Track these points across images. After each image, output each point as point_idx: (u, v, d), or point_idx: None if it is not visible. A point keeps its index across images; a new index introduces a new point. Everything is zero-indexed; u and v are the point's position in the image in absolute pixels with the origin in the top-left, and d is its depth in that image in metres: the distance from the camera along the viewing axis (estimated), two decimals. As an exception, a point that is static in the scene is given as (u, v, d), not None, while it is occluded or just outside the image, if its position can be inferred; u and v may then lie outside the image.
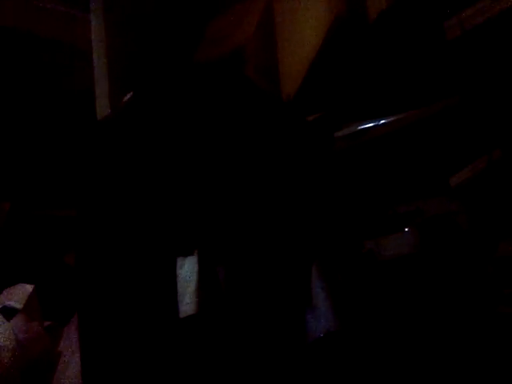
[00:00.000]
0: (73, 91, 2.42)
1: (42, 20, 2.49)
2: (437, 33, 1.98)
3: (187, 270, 1.64)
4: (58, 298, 2.08)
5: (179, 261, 1.65)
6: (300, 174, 1.78)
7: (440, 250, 1.87)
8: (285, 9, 2.41)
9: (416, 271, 1.85)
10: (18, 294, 1.90)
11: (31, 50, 2.48)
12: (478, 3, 1.93)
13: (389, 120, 2.02)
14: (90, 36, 2.31)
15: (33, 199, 2.37)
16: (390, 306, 1.81)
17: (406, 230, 1.89)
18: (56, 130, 2.38)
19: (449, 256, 1.87)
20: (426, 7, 2.01)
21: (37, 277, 2.07)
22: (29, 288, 1.92)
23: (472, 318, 1.79)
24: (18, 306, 1.86)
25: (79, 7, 2.50)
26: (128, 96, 1.87)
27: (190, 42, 2.56)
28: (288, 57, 2.36)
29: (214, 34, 2.63)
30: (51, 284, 2.12)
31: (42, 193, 2.39)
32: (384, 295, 1.82)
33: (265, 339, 1.63)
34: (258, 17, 2.48)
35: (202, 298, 1.60)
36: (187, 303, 1.61)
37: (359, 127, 2.06)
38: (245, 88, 1.87)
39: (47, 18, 2.51)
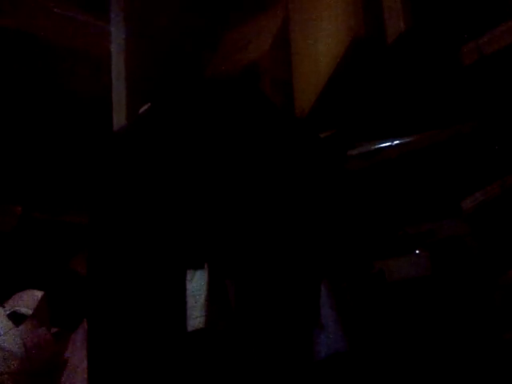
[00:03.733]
0: (88, 99, 2.44)
1: (59, 27, 2.51)
2: (454, 57, 1.99)
3: (197, 283, 1.64)
4: (66, 304, 2.08)
5: (189, 273, 1.65)
6: (312, 191, 1.78)
7: (449, 274, 1.87)
8: (301, 25, 2.42)
9: (425, 293, 1.85)
10: (28, 300, 1.90)
11: (47, 56, 2.50)
12: (495, 29, 1.93)
13: (403, 141, 2.03)
14: (106, 45, 2.33)
15: (42, 204, 2.38)
16: (399, 327, 1.81)
17: (417, 252, 1.90)
18: (70, 138, 2.39)
19: (458, 280, 1.87)
20: (444, 31, 2.02)
21: (44, 282, 2.08)
22: (38, 294, 1.93)
23: (478, 343, 1.79)
24: (28, 311, 1.86)
25: (96, 16, 2.53)
26: (144, 107, 1.88)
27: (206, 53, 2.58)
28: (303, 73, 2.37)
29: (230, 46, 2.65)
30: (58, 290, 2.12)
31: (51, 198, 2.40)
32: (392, 316, 1.81)
33: (273, 356, 1.62)
34: (274, 32, 2.50)
35: (211, 313, 1.60)
36: (196, 317, 1.60)
37: (373, 147, 2.06)
38: (260, 103, 1.88)
39: (65, 25, 2.53)
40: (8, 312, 1.87)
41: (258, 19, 2.60)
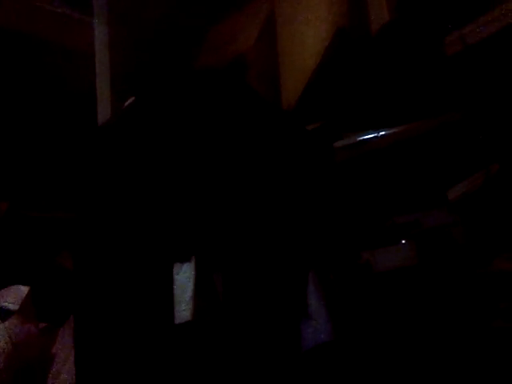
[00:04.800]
0: (72, 93, 2.43)
1: (42, 21, 2.50)
2: (438, 47, 1.99)
3: (184, 275, 1.64)
4: (53, 299, 2.07)
5: (176, 266, 1.65)
6: (299, 183, 1.78)
7: (436, 263, 1.88)
8: (286, 18, 2.43)
9: (412, 283, 1.86)
10: (13, 296, 1.89)
11: (31, 51, 2.48)
12: (479, 19, 1.94)
13: (389, 132, 2.04)
14: (89, 39, 2.32)
15: (27, 200, 2.37)
16: (385, 317, 1.82)
17: (403, 242, 1.90)
18: (56, 132, 2.38)
19: (445, 269, 1.88)
20: (428, 21, 2.03)
21: (31, 278, 2.07)
22: (24, 289, 1.92)
23: (467, 331, 1.80)
24: (13, 307, 1.85)
25: (79, 9, 2.51)
26: (129, 101, 1.87)
27: (191, 48, 2.57)
28: (289, 66, 2.37)
29: (216, 40, 2.64)
30: (45, 285, 2.12)
31: (37, 194, 2.39)
32: (379, 307, 1.82)
33: (260, 348, 1.63)
34: (260, 25, 2.49)
35: (198, 305, 1.60)
36: (183, 309, 1.61)
37: (359, 138, 2.07)
38: (246, 95, 1.88)
39: (47, 19, 2.52)
40: (-6, 308, 1.86)
41: (243, 12, 2.59)
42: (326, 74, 2.19)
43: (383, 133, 2.05)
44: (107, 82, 2.12)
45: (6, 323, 1.81)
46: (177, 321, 1.60)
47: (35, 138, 2.39)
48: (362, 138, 2.07)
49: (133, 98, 1.86)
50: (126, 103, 1.88)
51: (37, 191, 2.40)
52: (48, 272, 2.19)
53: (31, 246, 2.26)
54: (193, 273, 1.63)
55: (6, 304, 1.85)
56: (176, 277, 1.64)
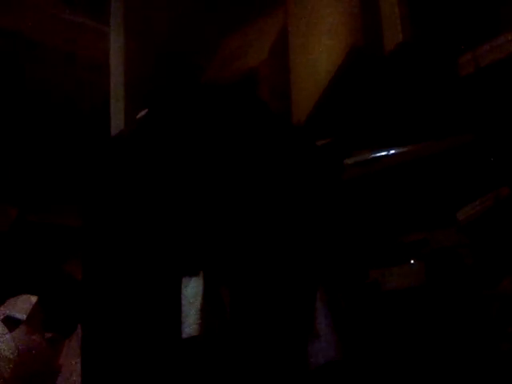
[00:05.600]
0: (86, 102, 2.44)
1: (56, 30, 2.50)
2: (451, 68, 2.00)
3: (192, 290, 1.64)
4: (60, 309, 2.08)
5: (184, 280, 1.65)
6: (308, 199, 1.78)
7: (444, 284, 1.87)
8: (299, 33, 2.43)
9: (419, 303, 1.85)
10: (22, 305, 1.90)
11: (46, 59, 2.49)
12: (492, 41, 1.95)
13: (400, 151, 2.04)
14: (105, 48, 2.32)
15: (38, 207, 2.38)
16: (393, 336, 1.81)
17: (412, 261, 1.90)
18: (68, 142, 2.39)
19: (452, 289, 1.87)
20: (441, 42, 2.03)
21: (39, 287, 2.07)
22: (33, 299, 1.92)
23: (474, 354, 1.79)
24: (21, 316, 1.85)
25: (94, 18, 2.52)
26: (142, 113, 1.88)
27: (203, 60, 2.58)
28: (301, 81, 2.38)
29: (228, 52, 2.65)
30: (53, 295, 2.12)
31: (47, 201, 2.39)
32: (387, 326, 1.82)
33: (267, 364, 1.62)
34: (273, 39, 2.50)
35: (206, 320, 1.60)
36: (190, 324, 1.61)
37: (370, 156, 2.07)
38: (257, 110, 1.88)
39: (62, 27, 2.52)
40: (2, 317, 1.86)
41: (257, 25, 2.60)
42: (337, 91, 2.19)
43: (393, 151, 2.06)
44: (121, 93, 2.13)
45: (14, 333, 1.81)
46: (184, 335, 1.60)
47: (47, 147, 2.40)
48: (372, 156, 2.07)
49: (146, 110, 1.87)
50: (139, 115, 1.89)
51: (47, 198, 2.40)
52: (56, 281, 2.19)
53: (40, 254, 2.26)
54: (201, 287, 1.63)
55: (15, 313, 1.85)
56: (184, 291, 1.64)
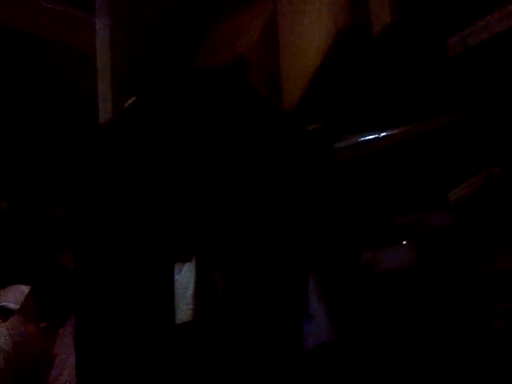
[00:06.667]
0: (74, 92, 2.43)
1: (44, 20, 2.49)
2: (439, 49, 2.00)
3: (185, 275, 1.64)
4: (53, 299, 2.07)
5: (177, 266, 1.65)
6: (299, 183, 1.78)
7: (436, 264, 1.88)
8: (288, 19, 2.42)
9: (412, 284, 1.86)
10: (14, 295, 1.89)
11: (33, 49, 2.47)
12: (481, 21, 1.95)
13: (390, 133, 2.04)
14: (91, 38, 2.31)
15: (28, 199, 2.37)
16: (386, 317, 1.82)
17: (404, 243, 1.91)
18: (56, 132, 2.38)
19: (445, 270, 1.88)
20: (429, 23, 2.03)
21: (31, 277, 2.07)
22: (25, 289, 1.92)
23: (466, 333, 1.80)
24: (14, 306, 1.85)
25: (80, 7, 2.51)
26: (130, 100, 1.87)
27: (192, 47, 2.57)
28: (290, 66, 2.37)
29: (217, 40, 2.63)
30: (46, 285, 2.12)
31: (37, 193, 2.39)
32: (380, 307, 1.82)
33: (261, 348, 1.63)
34: (262, 25, 2.49)
35: (199, 305, 1.60)
36: (184, 310, 1.61)
37: (360, 139, 2.07)
38: (247, 96, 1.88)
39: (50, 18, 2.51)
40: (-6, 307, 1.86)
41: (245, 13, 2.58)
42: (327, 76, 2.19)
43: (384, 134, 2.06)
44: (108, 82, 2.12)
45: (7, 323, 1.81)
46: (178, 321, 1.60)
47: (35, 137, 2.39)
48: (363, 139, 2.07)
49: (134, 98, 1.86)
50: (127, 103, 1.88)
51: (37, 190, 2.39)
52: (49, 271, 2.19)
53: (32, 245, 2.26)
54: (193, 273, 1.63)
55: (7, 303, 1.85)
56: (177, 277, 1.64)
